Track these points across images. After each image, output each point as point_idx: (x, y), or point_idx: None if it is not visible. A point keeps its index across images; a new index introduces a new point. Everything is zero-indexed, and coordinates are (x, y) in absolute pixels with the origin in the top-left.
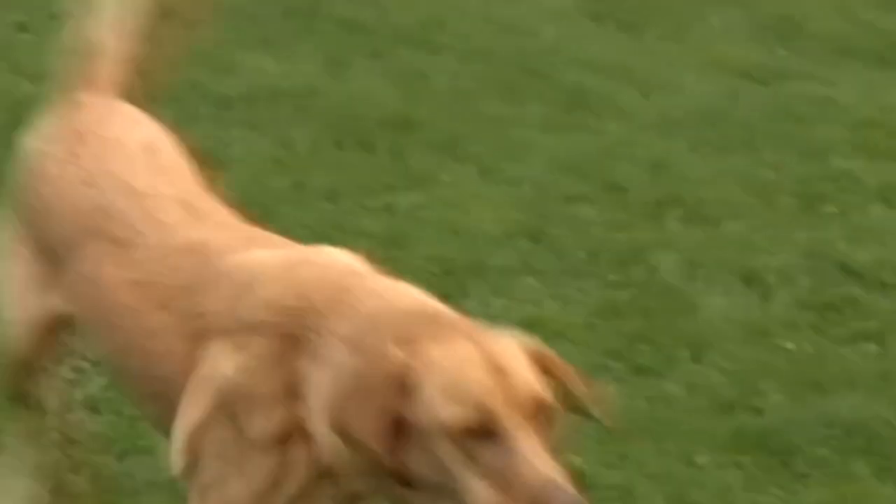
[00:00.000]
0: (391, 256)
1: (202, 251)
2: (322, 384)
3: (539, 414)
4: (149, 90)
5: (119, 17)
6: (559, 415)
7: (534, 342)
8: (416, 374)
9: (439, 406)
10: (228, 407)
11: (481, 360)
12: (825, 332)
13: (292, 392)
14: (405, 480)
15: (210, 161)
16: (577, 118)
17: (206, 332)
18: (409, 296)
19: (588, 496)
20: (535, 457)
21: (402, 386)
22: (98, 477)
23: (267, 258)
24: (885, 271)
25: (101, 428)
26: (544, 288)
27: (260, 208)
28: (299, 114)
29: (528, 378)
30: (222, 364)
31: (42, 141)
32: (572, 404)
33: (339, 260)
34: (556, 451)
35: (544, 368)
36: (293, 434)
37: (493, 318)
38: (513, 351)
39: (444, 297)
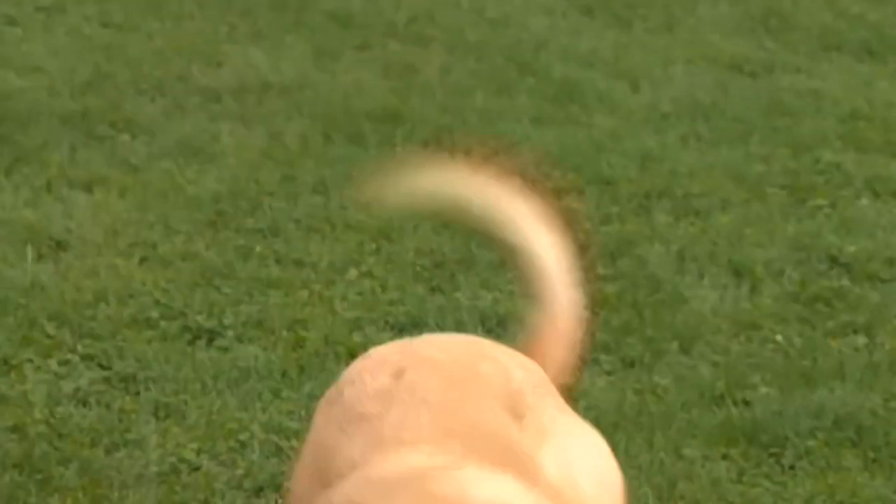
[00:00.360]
0: (381, 249)
1: None
2: None
3: None
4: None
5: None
6: None
7: None
8: None
9: None
10: None
11: None
12: (814, 325)
13: None
14: None
15: (199, 154)
16: (566, 111)
17: None
18: None
19: None
20: None
21: None
22: (86, 470)
23: None
24: (874, 263)
25: (89, 421)
26: None
27: (249, 202)
28: (289, 107)
29: None
30: None
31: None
32: None
33: None
34: None
35: None
36: None
37: (483, 311)
38: None
39: (435, 290)
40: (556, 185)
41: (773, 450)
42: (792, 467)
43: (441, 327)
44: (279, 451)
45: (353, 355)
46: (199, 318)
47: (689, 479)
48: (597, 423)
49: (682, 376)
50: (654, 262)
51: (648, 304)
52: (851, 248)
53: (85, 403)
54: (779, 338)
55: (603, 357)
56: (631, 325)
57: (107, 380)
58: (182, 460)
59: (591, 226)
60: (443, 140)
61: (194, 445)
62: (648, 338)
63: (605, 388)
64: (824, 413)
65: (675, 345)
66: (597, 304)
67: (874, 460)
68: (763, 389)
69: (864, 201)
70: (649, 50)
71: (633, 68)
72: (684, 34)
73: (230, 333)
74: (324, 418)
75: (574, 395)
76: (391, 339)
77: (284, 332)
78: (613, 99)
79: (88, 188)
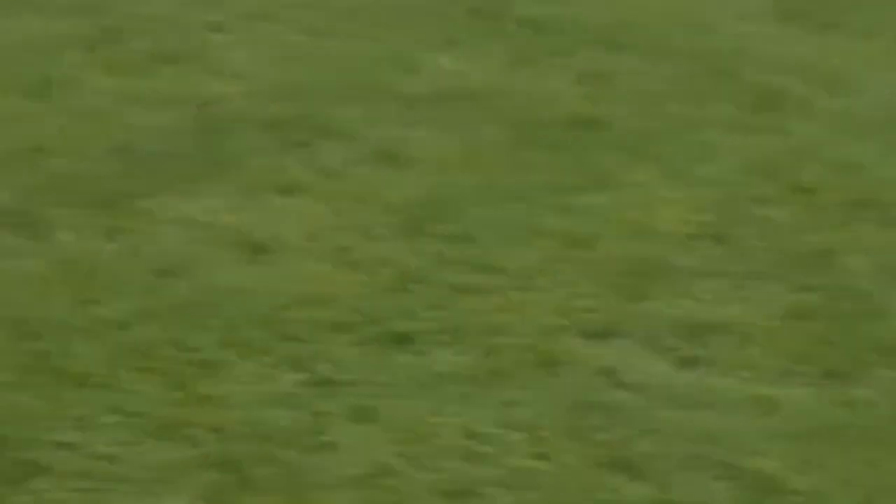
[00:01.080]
0: (576, 256)
1: None
2: None
3: None
4: None
5: None
6: None
7: None
8: None
9: None
10: None
11: None
12: None
13: None
14: None
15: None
16: (764, 119)
17: None
18: None
19: (775, 500)
20: None
21: None
22: (286, 472)
23: None
24: None
25: (288, 423)
26: (730, 290)
27: (445, 207)
28: (484, 113)
29: None
30: None
31: None
32: None
33: None
34: None
35: None
36: None
37: (678, 319)
38: None
39: (630, 297)
40: (755, 193)
41: None
42: None
43: (636, 336)
44: (475, 456)
45: (547, 363)
46: (396, 323)
47: (891, 493)
48: (793, 434)
49: (884, 389)
50: (855, 273)
51: (849, 316)
52: None
53: (284, 405)
54: None
55: (802, 368)
56: (831, 337)
57: (305, 382)
58: (379, 464)
59: (790, 235)
60: (638, 147)
61: (391, 449)
62: (849, 349)
63: (802, 398)
64: None
65: (876, 357)
66: (796, 314)
67: None
68: None
69: None
70: (850, 56)
71: (834, 75)
72: (886, 40)
73: (425, 338)
74: None
75: (770, 405)
76: (585, 346)
77: (479, 338)
78: (813, 106)
79: (288, 193)
